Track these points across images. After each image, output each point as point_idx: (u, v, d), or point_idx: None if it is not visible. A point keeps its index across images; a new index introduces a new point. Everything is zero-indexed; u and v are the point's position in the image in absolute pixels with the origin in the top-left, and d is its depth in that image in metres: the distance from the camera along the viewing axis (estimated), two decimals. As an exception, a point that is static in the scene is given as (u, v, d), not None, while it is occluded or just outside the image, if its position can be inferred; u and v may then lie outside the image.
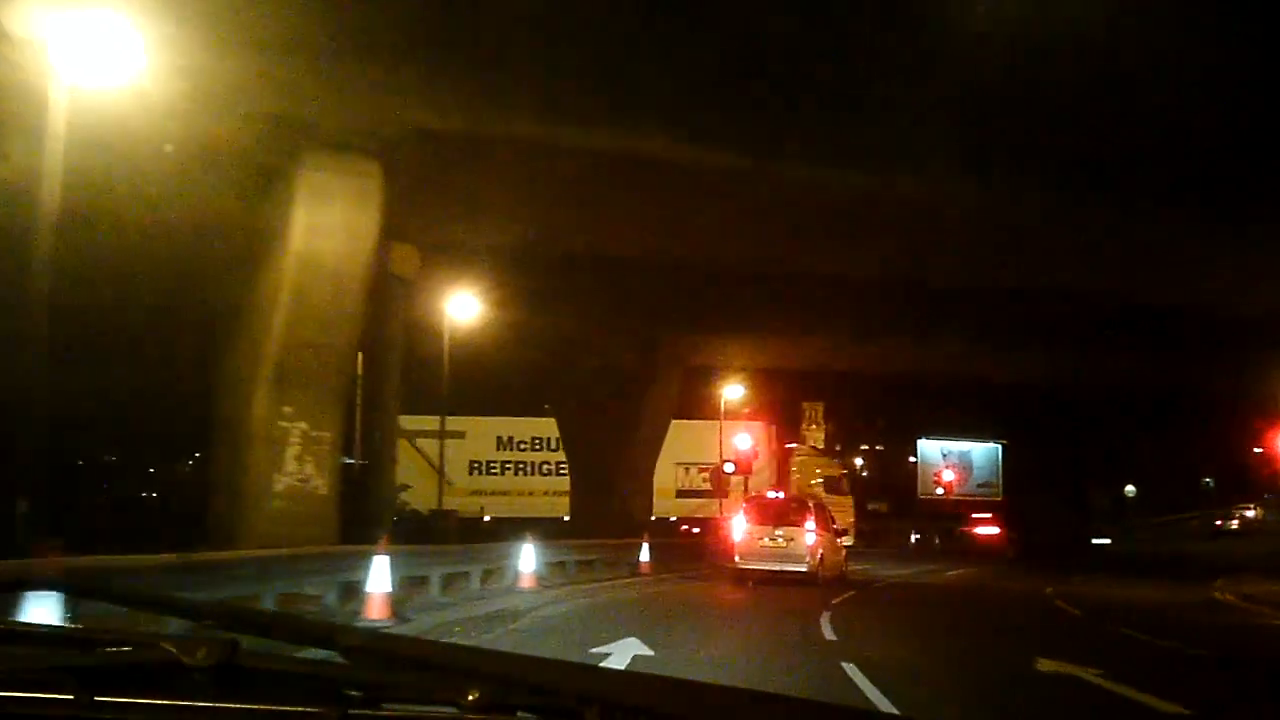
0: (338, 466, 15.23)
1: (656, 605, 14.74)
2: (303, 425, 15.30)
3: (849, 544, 37.94)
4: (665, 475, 35.88)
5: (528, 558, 15.69)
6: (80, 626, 1.81)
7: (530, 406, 36.13)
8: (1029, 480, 54.19)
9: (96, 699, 1.39)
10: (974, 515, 44.40)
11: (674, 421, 34.88)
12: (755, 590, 17.46)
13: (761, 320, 28.98)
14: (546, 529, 21.06)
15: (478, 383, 29.58)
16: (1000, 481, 53.67)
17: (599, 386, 29.51)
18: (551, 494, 37.28)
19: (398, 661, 1.49)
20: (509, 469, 38.10)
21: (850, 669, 8.16)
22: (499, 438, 38.04)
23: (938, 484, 41.84)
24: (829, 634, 10.98)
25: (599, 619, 12.15)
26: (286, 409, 15.25)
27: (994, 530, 40.01)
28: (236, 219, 15.35)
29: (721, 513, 30.77)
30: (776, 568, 19.07)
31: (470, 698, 1.34)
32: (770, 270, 24.80)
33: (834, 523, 21.88)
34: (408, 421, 36.36)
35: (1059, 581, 22.08)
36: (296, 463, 15.49)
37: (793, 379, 39.22)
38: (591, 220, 19.97)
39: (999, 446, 55.03)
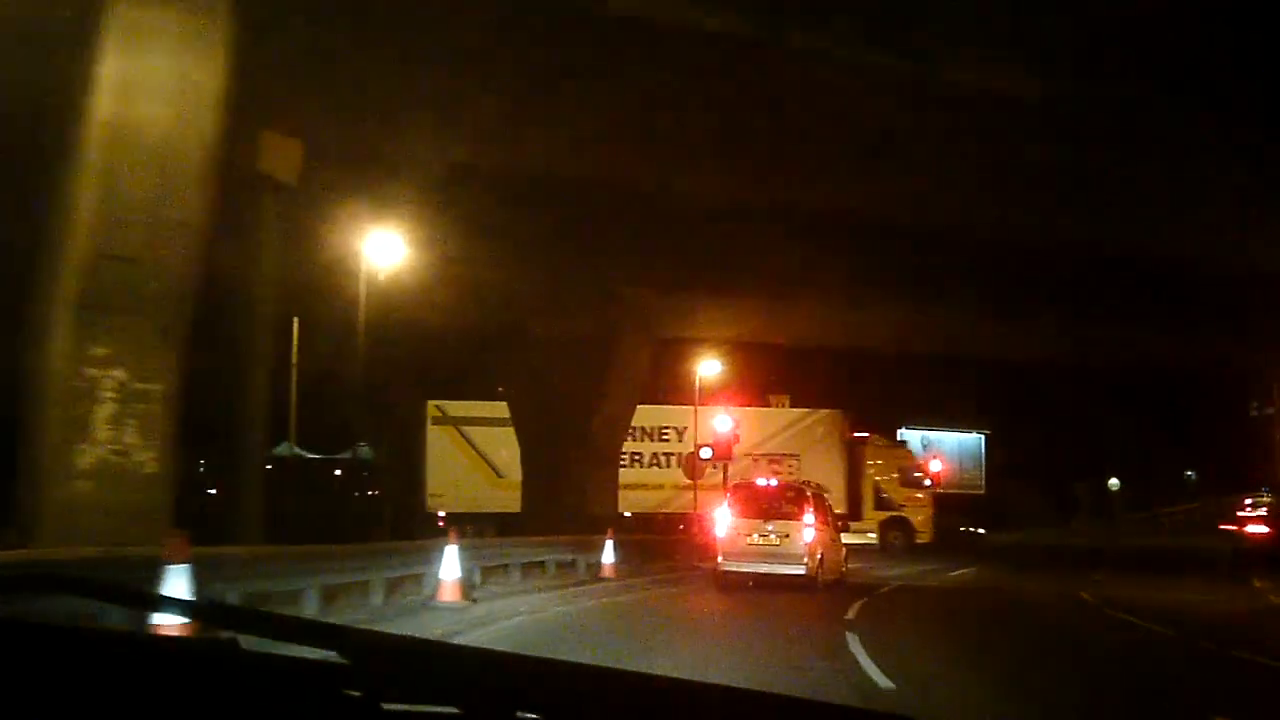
0: (172, 434, 11.90)
1: (620, 622, 12.85)
2: (119, 374, 11.72)
3: (924, 541, 37.27)
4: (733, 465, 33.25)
5: (450, 561, 13.09)
6: (81, 626, 1.66)
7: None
8: (1011, 473, 53.20)
9: (96, 699, 1.41)
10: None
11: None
12: (745, 598, 16.12)
13: (745, 280, 26.84)
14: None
15: (407, 352, 23.98)
16: (983, 474, 51.28)
17: (553, 356, 26.56)
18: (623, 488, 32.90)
19: (398, 661, 1.51)
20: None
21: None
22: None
23: (925, 475, 39.87)
24: (876, 675, 8.73)
25: (542, 645, 9.91)
26: (97, 350, 11.68)
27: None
28: (24, 74, 11.74)
29: (696, 506, 29.23)
30: (767, 569, 17.44)
31: (470, 698, 1.37)
32: (758, 218, 22.75)
33: (835, 513, 20.36)
34: (455, 408, 36.82)
35: (1080, 580, 22.31)
36: (110, 428, 11.64)
37: (776, 355, 37.78)
38: (544, 140, 18.58)
39: (981, 437, 52.33)
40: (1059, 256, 24.04)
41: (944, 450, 48.04)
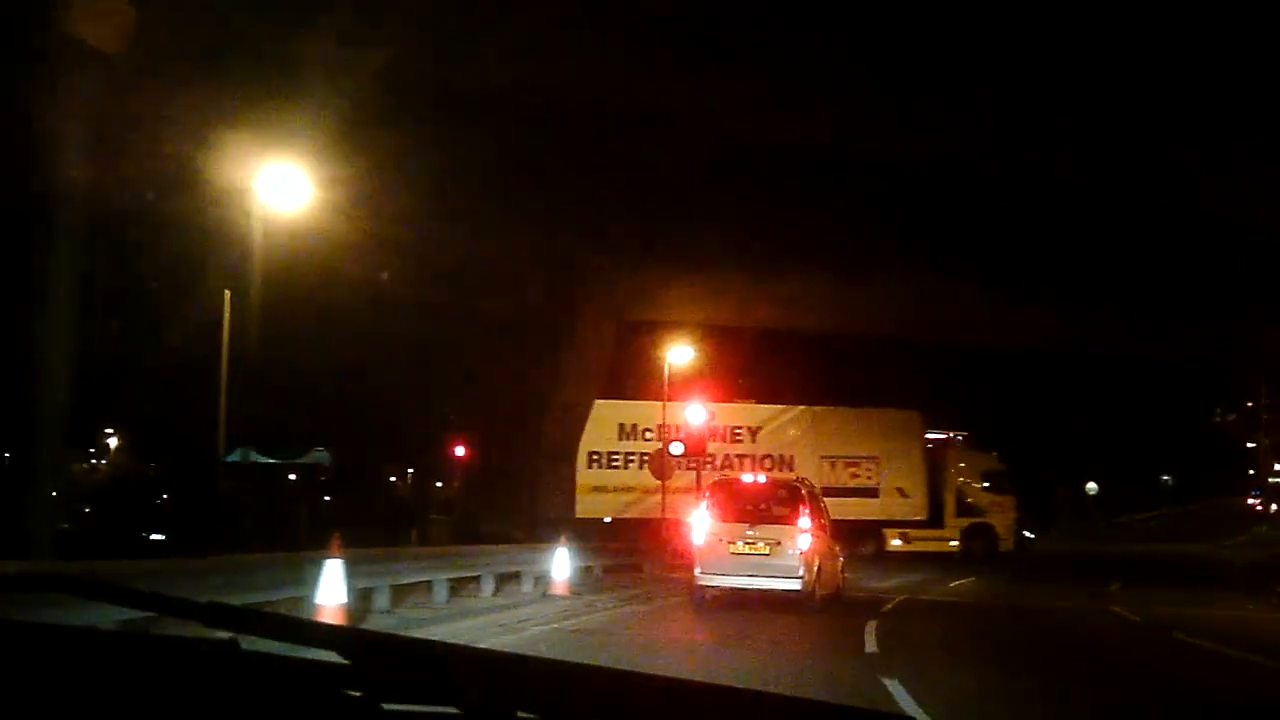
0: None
1: (569, 658, 6.01)
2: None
3: (1005, 549, 35.17)
4: (806, 471, 31.84)
5: (332, 579, 10.13)
6: (80, 626, 1.75)
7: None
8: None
9: (96, 698, 1.47)
10: None
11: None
12: (730, 620, 13.98)
13: (722, 251, 23.81)
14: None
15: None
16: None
17: (500, 335, 23.63)
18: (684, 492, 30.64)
19: (398, 661, 1.58)
20: (632, 462, 33.40)
21: None
22: (621, 425, 33.94)
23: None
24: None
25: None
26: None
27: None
28: None
29: (664, 510, 26.84)
30: (755, 584, 15.08)
31: (470, 698, 1.43)
32: (739, 176, 20.04)
33: (829, 517, 17.65)
34: None
35: (1098, 592, 21.45)
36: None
37: (753, 342, 35.51)
38: (497, 58, 15.54)
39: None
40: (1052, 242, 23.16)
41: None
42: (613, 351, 25.35)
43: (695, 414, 24.20)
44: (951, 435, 35.88)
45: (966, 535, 34.27)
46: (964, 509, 34.98)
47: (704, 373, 28.18)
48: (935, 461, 34.50)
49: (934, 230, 21.82)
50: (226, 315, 15.66)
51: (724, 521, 15.31)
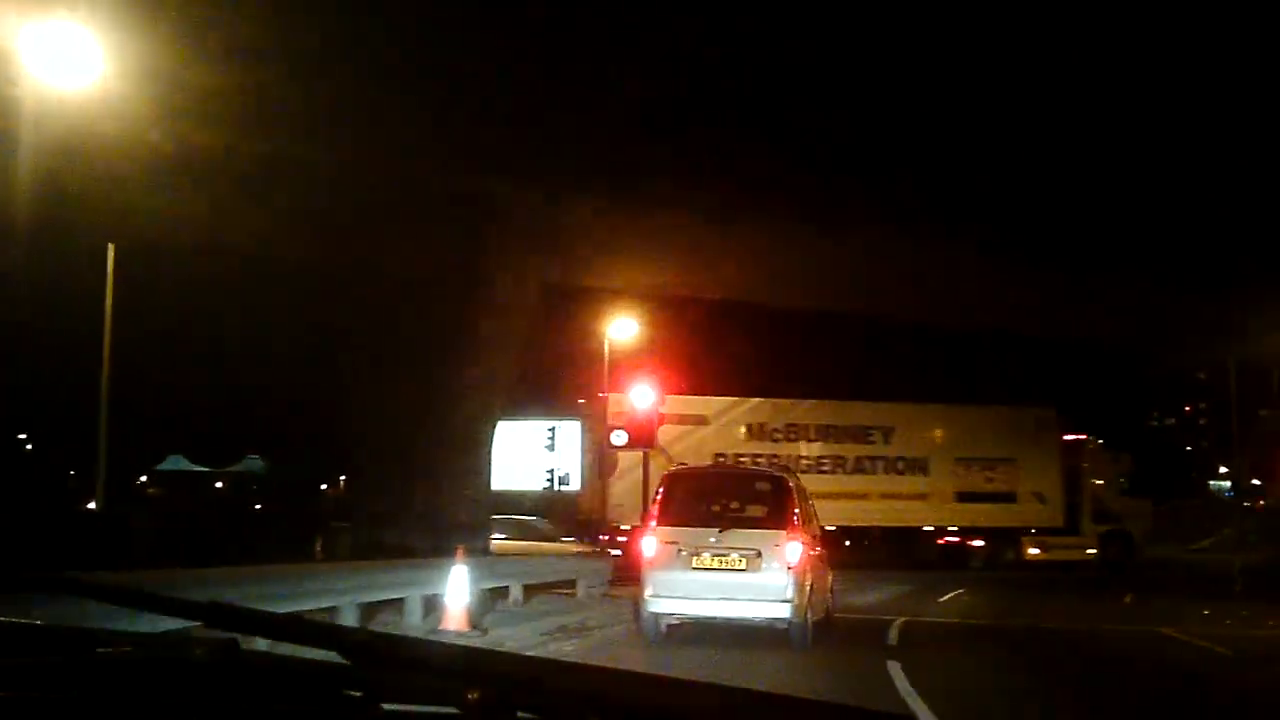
0: None
1: None
2: None
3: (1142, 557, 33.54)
4: (941, 474, 33.30)
5: None
6: (80, 626, 1.84)
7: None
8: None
9: (96, 699, 1.52)
10: None
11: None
12: (691, 664, 10.87)
13: (681, 207, 19.75)
14: None
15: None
16: None
17: (393, 294, 19.28)
18: (817, 497, 25.86)
19: (398, 661, 1.61)
20: (760, 464, 29.66)
21: None
22: (749, 425, 32.65)
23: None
24: None
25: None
26: None
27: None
28: None
29: (607, 511, 16.66)
30: (726, 611, 12.29)
31: (470, 698, 1.46)
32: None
33: (817, 517, 14.66)
34: None
35: (1115, 606, 20.88)
36: None
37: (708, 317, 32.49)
38: None
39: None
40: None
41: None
42: (537, 320, 20.82)
43: (642, 396, 19.77)
44: (1086, 436, 35.65)
45: (1105, 542, 33.92)
46: (1100, 515, 34.43)
47: (656, 351, 23.94)
48: (1070, 464, 33.90)
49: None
50: (110, 275, 11.65)
51: (683, 526, 12.53)
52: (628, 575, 14.98)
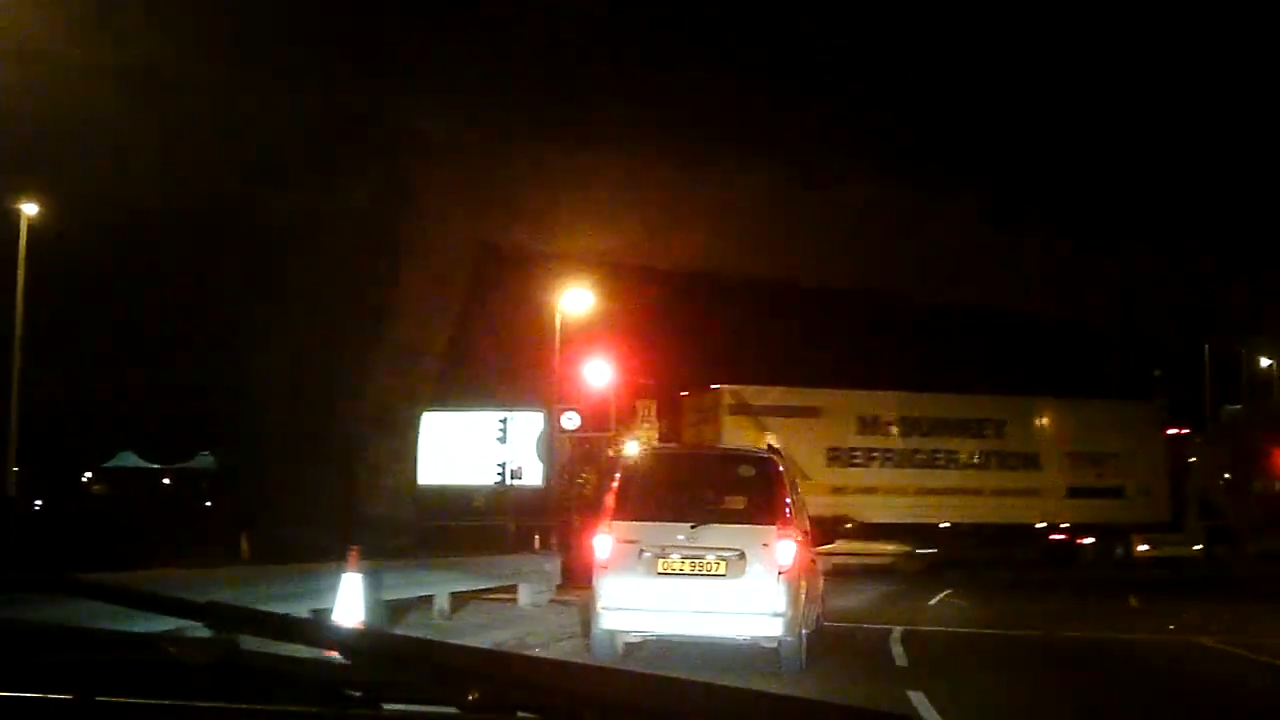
0: None
1: None
2: None
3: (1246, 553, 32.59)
4: (1052, 469, 32.76)
5: None
6: (80, 626, 1.87)
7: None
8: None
9: (96, 699, 1.53)
10: None
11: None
12: None
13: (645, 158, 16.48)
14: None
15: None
16: None
17: (298, 247, 9.56)
18: (931, 492, 30.78)
19: (398, 661, 1.61)
20: (874, 459, 30.88)
21: None
22: (861, 418, 31.37)
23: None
24: None
25: None
26: None
27: None
28: None
29: (562, 505, 14.19)
30: (700, 629, 10.22)
31: (470, 698, 1.48)
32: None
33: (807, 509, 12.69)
34: (753, 394, 30.64)
35: (1121, 607, 19.65)
36: None
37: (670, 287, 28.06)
38: None
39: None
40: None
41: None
42: (473, 286, 18.27)
43: (598, 373, 17.16)
44: (1190, 430, 35.83)
45: (1211, 538, 33.24)
46: (1206, 510, 33.95)
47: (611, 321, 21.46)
48: (1175, 458, 33.68)
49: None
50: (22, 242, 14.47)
51: (646, 520, 10.39)
52: (581, 577, 12.39)
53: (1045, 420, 32.86)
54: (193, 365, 25.40)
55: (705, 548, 10.08)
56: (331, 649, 1.50)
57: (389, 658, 1.55)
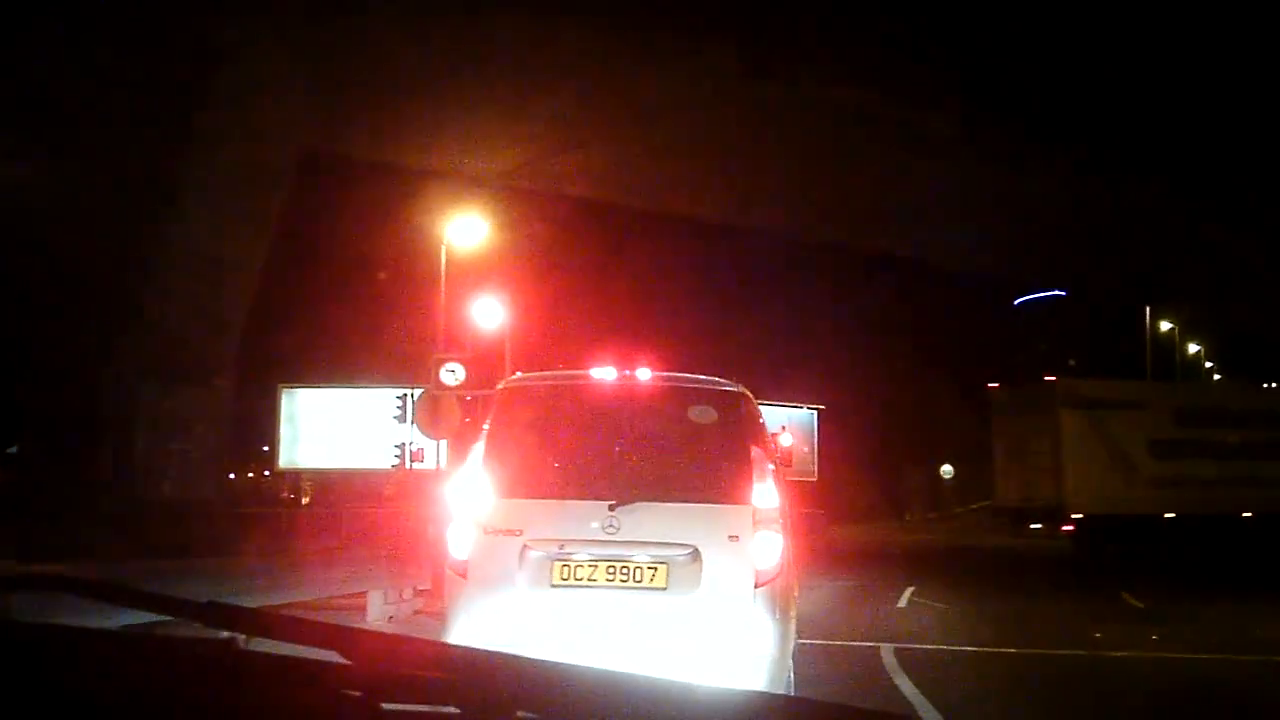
0: None
1: None
2: None
3: None
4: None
5: None
6: (80, 626, 1.88)
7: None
8: (840, 456, 45.36)
9: (95, 698, 1.55)
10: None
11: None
12: None
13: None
14: None
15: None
16: (816, 455, 41.63)
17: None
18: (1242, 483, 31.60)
19: (398, 661, 1.62)
20: (1197, 451, 30.72)
21: None
22: (1178, 409, 31.24)
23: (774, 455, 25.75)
24: None
25: None
26: None
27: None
28: None
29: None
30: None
31: (470, 698, 1.49)
32: None
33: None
34: (1089, 387, 31.96)
35: (1118, 604, 18.20)
36: None
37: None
38: None
39: (814, 413, 42.13)
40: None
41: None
42: (292, 195, 14.04)
43: (488, 313, 13.05)
44: None
45: None
46: None
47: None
48: None
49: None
50: None
51: (535, 497, 6.52)
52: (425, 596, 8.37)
53: None
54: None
55: (634, 542, 6.28)
56: (331, 649, 1.49)
57: (389, 658, 1.54)
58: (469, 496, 6.56)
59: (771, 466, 6.72)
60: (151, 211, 12.93)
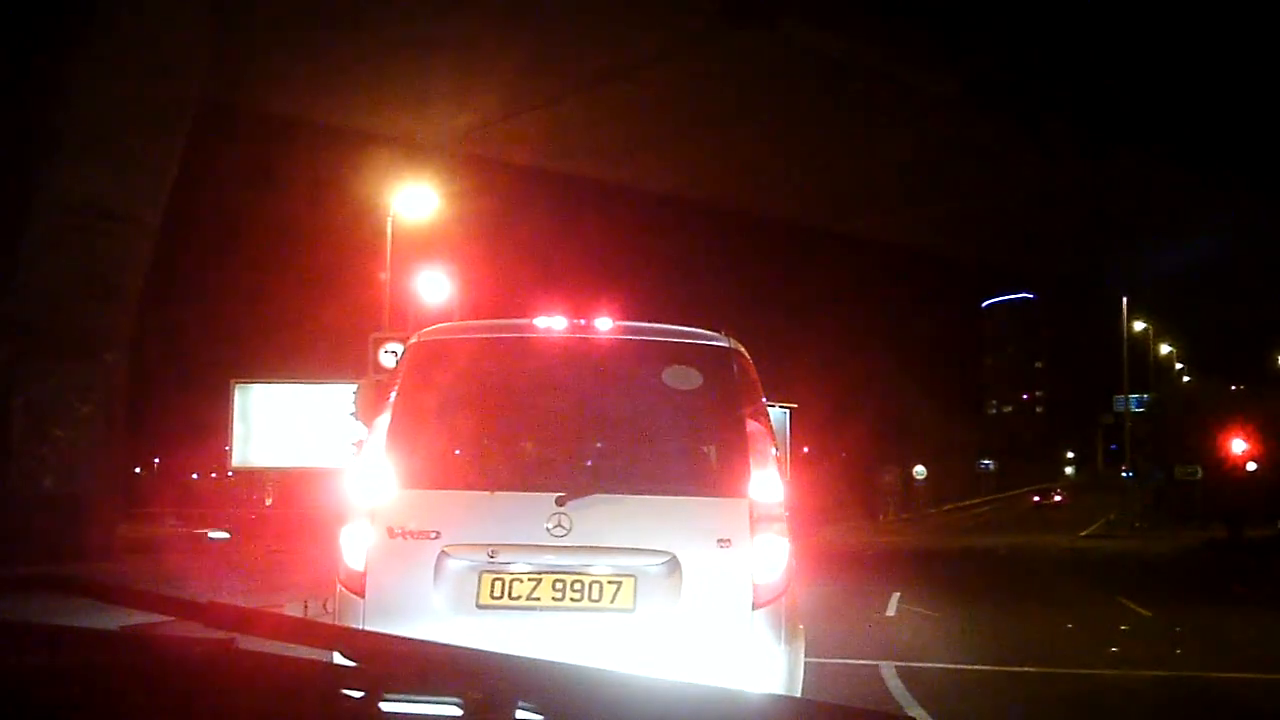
0: None
1: None
2: None
3: None
4: None
5: None
6: (80, 626, 1.87)
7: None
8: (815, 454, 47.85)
9: (94, 698, 1.56)
10: None
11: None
12: None
13: None
14: None
15: None
16: (787, 454, 29.61)
17: None
18: None
19: (398, 661, 1.67)
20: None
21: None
22: None
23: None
24: None
25: None
26: None
27: None
28: None
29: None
30: None
31: (470, 698, 1.51)
32: None
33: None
34: None
35: (1121, 609, 17.04)
36: None
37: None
38: None
39: (786, 412, 30.32)
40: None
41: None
42: (190, 139, 12.12)
43: (433, 287, 11.53)
44: None
45: None
46: None
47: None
48: None
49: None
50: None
51: (457, 488, 4.77)
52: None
53: None
54: None
55: (589, 548, 4.75)
56: (331, 649, 1.52)
57: (389, 658, 1.57)
58: (368, 487, 4.92)
59: (774, 449, 5.12)
60: (24, 156, 11.26)
